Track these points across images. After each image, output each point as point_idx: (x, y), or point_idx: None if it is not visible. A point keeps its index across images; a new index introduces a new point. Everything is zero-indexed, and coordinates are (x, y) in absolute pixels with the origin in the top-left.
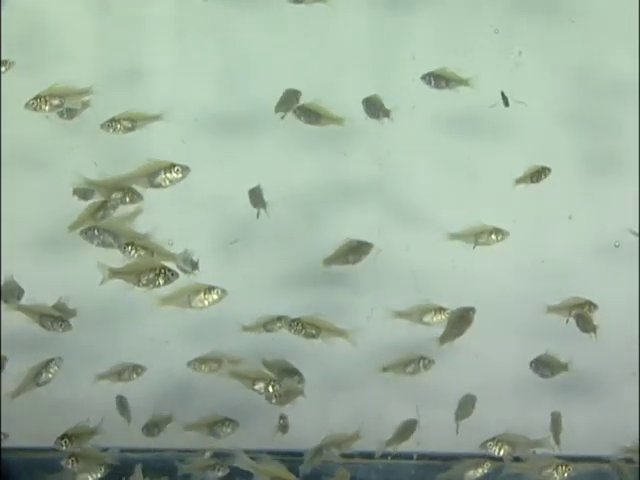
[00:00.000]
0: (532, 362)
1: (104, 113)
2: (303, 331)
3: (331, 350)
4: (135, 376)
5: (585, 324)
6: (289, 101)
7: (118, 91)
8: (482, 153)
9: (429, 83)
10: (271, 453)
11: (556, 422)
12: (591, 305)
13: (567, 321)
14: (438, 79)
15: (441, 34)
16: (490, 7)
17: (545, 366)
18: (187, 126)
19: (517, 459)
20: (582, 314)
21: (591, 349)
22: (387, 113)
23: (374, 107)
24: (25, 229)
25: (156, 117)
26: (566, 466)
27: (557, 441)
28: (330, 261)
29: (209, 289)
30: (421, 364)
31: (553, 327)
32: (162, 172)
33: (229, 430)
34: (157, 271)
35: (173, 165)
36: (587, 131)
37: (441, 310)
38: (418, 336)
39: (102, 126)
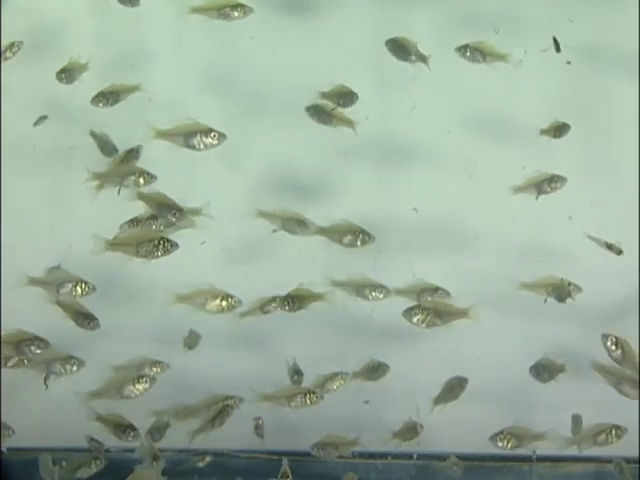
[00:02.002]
0: (532, 368)
1: (104, 112)
2: (294, 306)
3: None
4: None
5: (560, 293)
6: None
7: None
8: (482, 153)
9: (464, 56)
10: (271, 453)
11: (577, 424)
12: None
13: (545, 300)
14: (474, 53)
15: (441, 34)
16: (490, 7)
17: (545, 370)
18: None
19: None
20: (557, 285)
21: (591, 349)
22: (424, 58)
23: (402, 51)
24: (25, 228)
25: (135, 88)
26: (617, 429)
27: (579, 444)
28: (325, 231)
29: (226, 296)
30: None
31: (553, 327)
32: (198, 135)
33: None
34: (156, 242)
35: (210, 130)
36: (587, 131)
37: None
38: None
39: (92, 102)
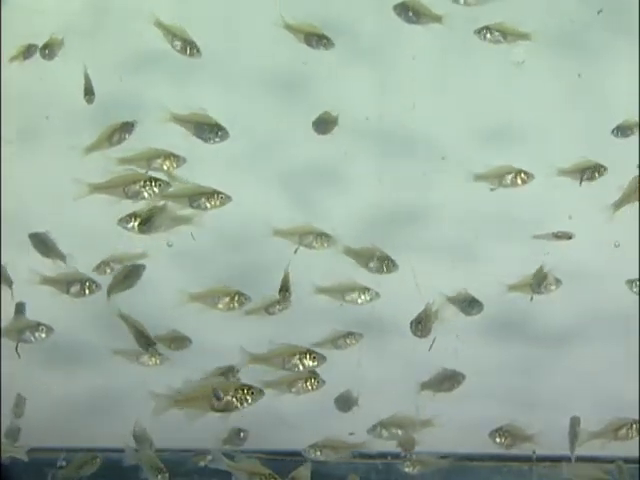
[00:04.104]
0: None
1: (103, 112)
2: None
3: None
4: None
5: (537, 281)
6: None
7: (117, 88)
8: (482, 152)
9: (484, 38)
10: (271, 453)
11: (574, 427)
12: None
13: (531, 298)
14: (495, 33)
15: (441, 34)
16: (491, 7)
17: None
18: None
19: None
20: (535, 273)
21: (592, 350)
22: (438, 18)
23: (413, 14)
24: (26, 225)
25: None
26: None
27: (572, 450)
28: (349, 251)
29: (237, 294)
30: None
31: (551, 329)
32: (207, 128)
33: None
34: (142, 183)
35: (218, 126)
36: (587, 131)
37: (366, 290)
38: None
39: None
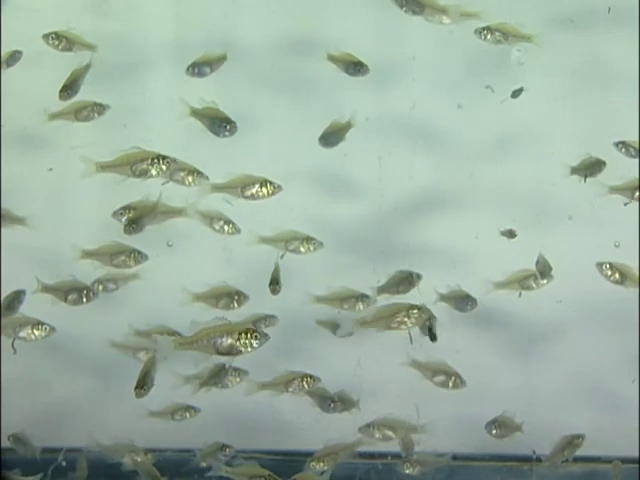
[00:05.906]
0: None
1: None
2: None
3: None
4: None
5: (542, 267)
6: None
7: (117, 87)
8: (482, 152)
9: (484, 38)
10: (271, 453)
11: (567, 442)
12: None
13: (520, 294)
14: (495, 33)
15: (441, 34)
16: (489, 8)
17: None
18: (189, 126)
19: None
20: (537, 262)
21: (592, 350)
22: (445, 13)
23: (417, 5)
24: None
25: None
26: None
27: (551, 459)
28: (382, 289)
29: (237, 293)
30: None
31: (549, 329)
32: (221, 123)
33: (237, 379)
34: (150, 161)
35: (228, 119)
36: (587, 131)
37: (364, 297)
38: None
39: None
